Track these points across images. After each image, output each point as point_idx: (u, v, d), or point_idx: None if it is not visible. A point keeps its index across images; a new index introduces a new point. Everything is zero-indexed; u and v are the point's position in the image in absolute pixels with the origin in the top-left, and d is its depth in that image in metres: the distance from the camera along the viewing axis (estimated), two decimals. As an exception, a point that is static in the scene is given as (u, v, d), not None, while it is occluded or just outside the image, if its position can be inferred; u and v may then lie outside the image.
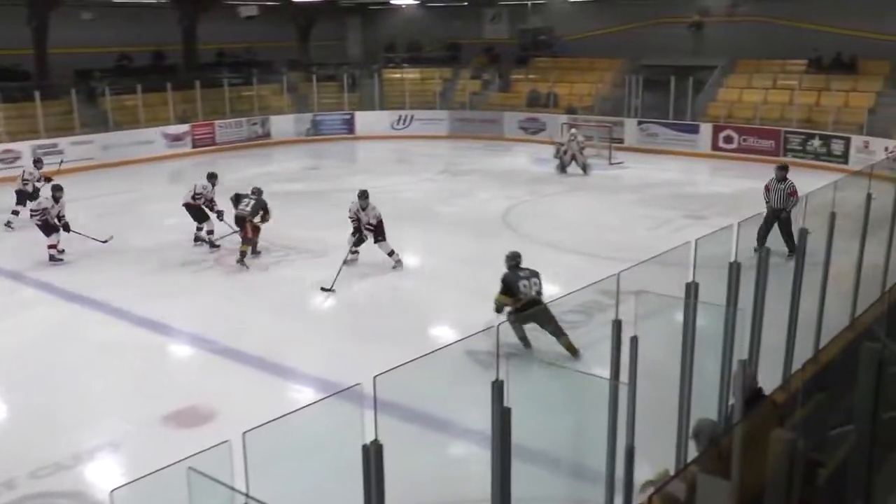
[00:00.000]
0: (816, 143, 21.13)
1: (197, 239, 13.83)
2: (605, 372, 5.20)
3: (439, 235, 14.52)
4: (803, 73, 23.96)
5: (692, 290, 5.68)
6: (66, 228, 13.21)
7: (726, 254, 6.23)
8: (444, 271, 12.39)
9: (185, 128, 24.14)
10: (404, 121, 27.59)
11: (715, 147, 22.76)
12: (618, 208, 16.51)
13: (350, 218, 12.57)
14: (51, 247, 12.95)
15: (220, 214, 13.81)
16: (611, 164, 21.69)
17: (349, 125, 27.41)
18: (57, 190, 13.18)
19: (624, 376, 5.11)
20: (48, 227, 12.95)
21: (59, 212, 13.08)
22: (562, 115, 25.47)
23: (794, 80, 23.41)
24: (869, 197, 8.04)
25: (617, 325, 5.18)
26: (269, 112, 26.81)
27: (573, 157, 20.54)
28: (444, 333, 10.08)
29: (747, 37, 25.37)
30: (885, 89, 22.18)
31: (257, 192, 13.05)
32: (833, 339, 6.65)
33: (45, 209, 12.94)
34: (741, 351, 6.00)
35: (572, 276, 11.24)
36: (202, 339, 9.96)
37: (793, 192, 12.52)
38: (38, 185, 15.25)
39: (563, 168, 20.57)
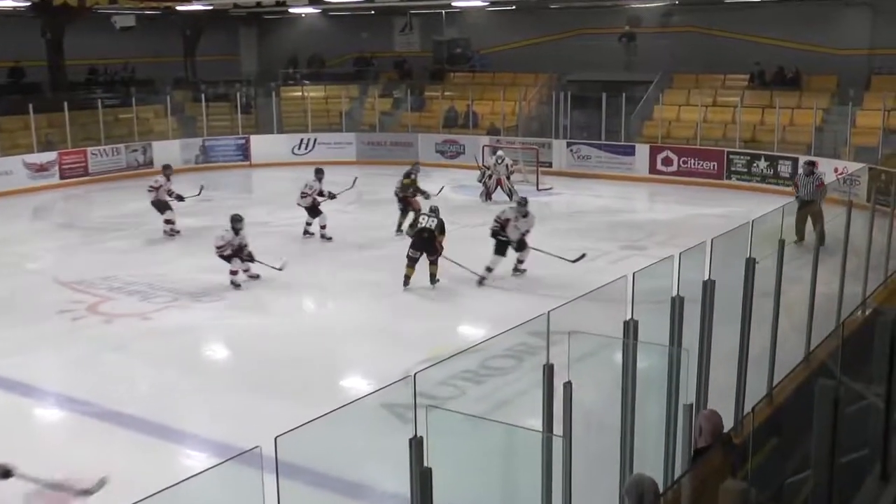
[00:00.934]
0: (762, 164, 21.80)
1: (306, 232, 16.61)
2: (537, 423, 5.20)
3: (351, 273, 14.43)
4: (745, 89, 24.79)
5: (631, 328, 5.75)
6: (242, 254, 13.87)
7: (668, 287, 6.33)
8: (356, 313, 12.33)
9: (51, 156, 23.56)
10: (307, 145, 27.51)
11: (653, 170, 23.29)
12: (548, 239, 16.68)
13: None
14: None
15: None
16: (539, 190, 21.97)
17: (244, 151, 27.20)
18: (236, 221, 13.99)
19: (558, 427, 5.12)
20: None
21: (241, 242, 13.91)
22: (483, 137, 25.76)
23: (736, 97, 24.20)
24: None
25: (549, 370, 5.19)
26: (152, 137, 26.43)
27: (499, 183, 20.76)
28: (356, 384, 10.00)
29: (683, 49, 26.13)
30: (832, 106, 23.05)
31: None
32: (787, 376, 6.81)
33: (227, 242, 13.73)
34: (687, 394, 6.09)
35: (499, 317, 11.26)
36: (73, 401, 9.65)
37: (820, 184, 15.48)
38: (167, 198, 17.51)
39: (488, 195, 20.77)
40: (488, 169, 21.09)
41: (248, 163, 27.11)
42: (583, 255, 14.39)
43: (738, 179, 22.09)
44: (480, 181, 21.15)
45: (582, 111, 25.77)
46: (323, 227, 16.81)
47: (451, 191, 22.00)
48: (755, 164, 21.96)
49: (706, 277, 6.61)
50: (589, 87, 26.10)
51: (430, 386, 9.03)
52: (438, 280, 13.46)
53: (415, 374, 4.36)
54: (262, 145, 27.21)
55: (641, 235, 16.78)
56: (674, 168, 23.12)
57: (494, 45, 30.26)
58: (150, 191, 17.59)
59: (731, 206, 18.89)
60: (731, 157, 22.42)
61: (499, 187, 20.76)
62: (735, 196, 20.42)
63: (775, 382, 7.34)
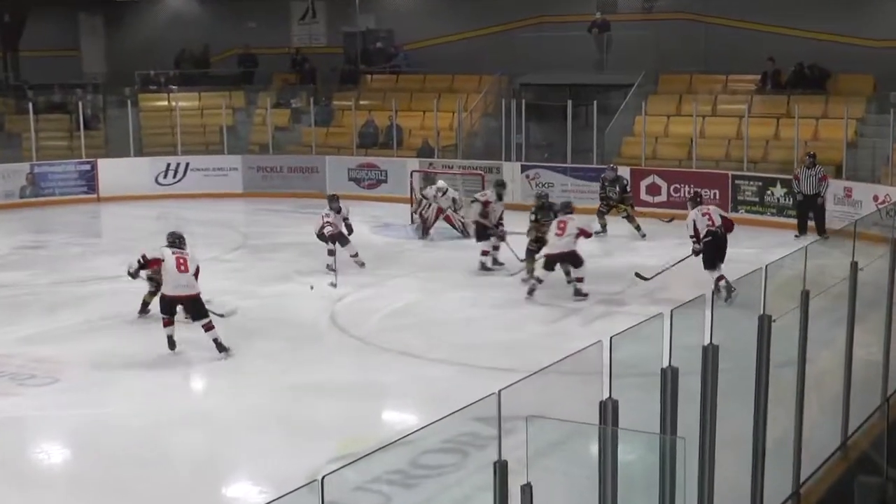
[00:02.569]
0: (778, 191, 22.16)
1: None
2: (486, 541, 5.17)
3: (236, 342, 14.29)
4: (754, 94, 25.28)
5: (609, 410, 5.76)
6: None
7: (656, 355, 6.36)
8: (244, 394, 12.21)
9: None
10: (175, 172, 27.41)
11: (636, 201, 23.41)
12: (500, 295, 16.73)
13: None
14: None
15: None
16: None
17: (89, 180, 26.97)
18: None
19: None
20: None
21: None
22: (412, 160, 25.87)
23: (742, 104, 24.60)
24: (855, 266, 8.40)
25: (501, 469, 5.17)
26: (-43, 163, 26.13)
27: (440, 214, 20.88)
28: (243, 494, 9.91)
29: (673, 42, 26.61)
30: (867, 115, 23.51)
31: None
32: (817, 470, 6.87)
33: None
34: (686, 496, 6.09)
35: (436, 398, 11.25)
36: None
37: (824, 177, 19.37)
38: None
39: (424, 231, 21.07)
40: (425, 199, 21.17)
41: (94, 196, 26.91)
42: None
43: (746, 212, 22.40)
44: (416, 212, 21.23)
45: (541, 125, 26.05)
46: (354, 256, 18.31)
47: (370, 231, 22.01)
48: (769, 192, 22.35)
49: (706, 342, 6.65)
50: (549, 94, 26.42)
51: (345, 493, 8.92)
52: None
53: (323, 476, 4.31)
54: (114, 173, 27.00)
55: (621, 287, 16.89)
56: (662, 198, 23.41)
57: (425, 38, 30.57)
58: None
59: (738, 246, 18.96)
60: (737, 182, 22.79)
61: (442, 219, 20.89)
62: (743, 234, 20.55)
63: (802, 479, 7.39)
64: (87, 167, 27.01)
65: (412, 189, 23.05)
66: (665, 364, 6.26)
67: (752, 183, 22.63)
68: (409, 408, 11.94)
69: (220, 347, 13.50)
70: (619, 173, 21.77)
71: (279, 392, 12.33)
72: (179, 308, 13.88)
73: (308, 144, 28.15)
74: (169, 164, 27.42)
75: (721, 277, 15.29)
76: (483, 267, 18.22)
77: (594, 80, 26.79)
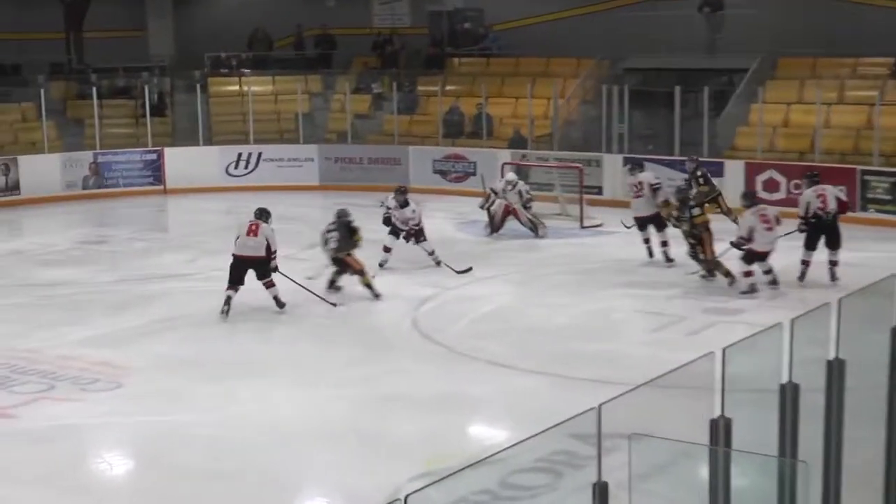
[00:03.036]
0: (916, 189, 21.88)
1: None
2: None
3: (308, 349, 14.42)
4: (887, 79, 24.91)
5: (721, 429, 5.73)
6: None
7: (773, 369, 6.28)
8: (321, 411, 12.25)
9: None
10: (247, 162, 27.66)
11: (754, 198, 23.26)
12: (596, 300, 16.67)
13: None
14: None
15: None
16: (583, 227, 22.03)
17: (155, 171, 27.32)
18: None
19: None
20: None
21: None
22: (502, 151, 25.84)
23: (873, 90, 24.22)
24: None
25: (601, 491, 5.16)
26: (17, 150, 26.62)
27: (510, 212, 20.83)
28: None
29: (794, 22, 26.35)
30: None
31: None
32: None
33: None
34: (808, 527, 6.02)
35: (529, 412, 11.20)
36: None
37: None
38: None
39: (493, 228, 21.17)
40: (494, 194, 21.15)
41: (160, 188, 27.25)
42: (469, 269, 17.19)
43: (877, 211, 22.09)
44: (483, 208, 21.23)
45: (646, 113, 25.87)
46: (431, 254, 18.48)
47: (455, 229, 22.03)
48: (904, 190, 22.06)
49: (831, 355, 6.56)
50: (655, 79, 26.24)
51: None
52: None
53: (406, 496, 4.30)
54: (182, 162, 27.33)
55: (733, 293, 16.73)
56: (781, 194, 23.09)
57: (518, 17, 30.57)
58: None
59: (867, 250, 18.81)
60: (866, 178, 22.45)
61: (512, 217, 20.85)
62: (874, 235, 20.33)
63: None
64: (154, 156, 27.36)
65: (484, 180, 23.07)
66: (784, 380, 6.19)
67: (883, 179, 22.25)
68: (499, 422, 11.89)
69: (279, 303, 15.81)
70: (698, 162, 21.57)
71: (357, 403, 12.36)
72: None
73: (390, 133, 28.24)
74: (240, 154, 27.67)
75: (835, 263, 16.81)
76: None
77: (705, 64, 26.56)
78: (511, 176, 21.48)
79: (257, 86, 30.07)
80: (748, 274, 16.42)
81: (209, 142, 28.17)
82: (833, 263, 16.84)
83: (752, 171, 23.43)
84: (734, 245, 16.55)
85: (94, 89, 27.86)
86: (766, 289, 16.38)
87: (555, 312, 16.01)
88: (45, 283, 18.09)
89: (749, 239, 16.28)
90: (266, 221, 16.13)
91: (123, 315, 16.04)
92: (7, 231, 23.08)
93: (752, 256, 16.36)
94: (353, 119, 28.78)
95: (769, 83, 25.58)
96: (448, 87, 29.10)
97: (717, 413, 5.75)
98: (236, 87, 30.30)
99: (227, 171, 27.46)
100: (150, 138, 27.65)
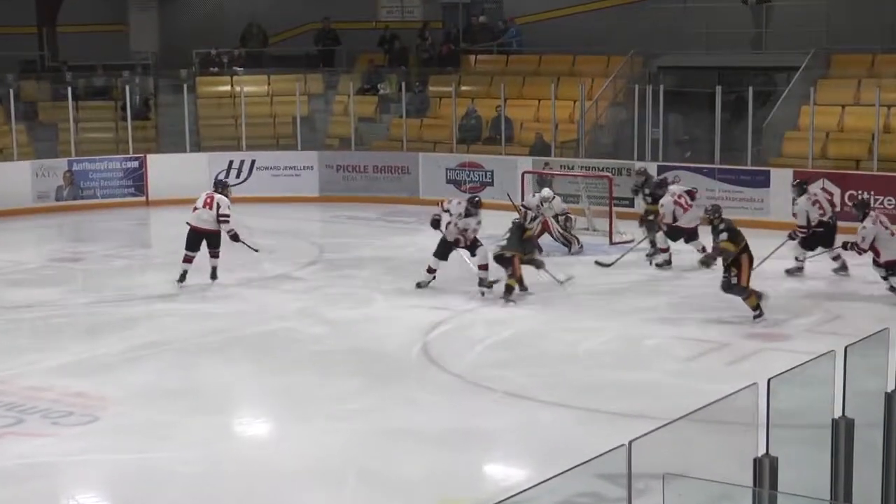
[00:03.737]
0: None
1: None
2: None
3: (305, 378, 14.37)
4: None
5: (766, 469, 5.71)
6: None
7: (824, 402, 6.26)
8: (318, 448, 12.23)
9: None
10: (239, 170, 27.70)
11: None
12: (627, 325, 16.65)
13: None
14: None
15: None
16: (612, 243, 22.00)
17: (136, 180, 27.38)
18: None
19: None
20: None
21: None
22: (524, 158, 25.85)
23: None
24: None
25: (632, 538, 5.13)
26: (-15, 157, 26.66)
27: (545, 227, 20.86)
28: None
29: (850, 14, 26.31)
30: None
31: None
32: None
33: None
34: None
35: (551, 449, 11.22)
36: None
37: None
38: None
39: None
40: (528, 210, 21.12)
41: (142, 199, 27.28)
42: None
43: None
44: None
45: (683, 117, 25.88)
46: (483, 269, 18.32)
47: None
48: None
49: (891, 387, 6.53)
50: (694, 78, 26.25)
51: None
52: None
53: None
54: (167, 171, 27.36)
55: (780, 317, 16.71)
56: (835, 207, 23.09)
57: (541, 10, 30.60)
58: None
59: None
60: (933, 190, 22.47)
61: (545, 233, 20.84)
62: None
63: None
64: (135, 164, 27.42)
65: (518, 194, 23.00)
66: (837, 414, 6.16)
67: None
68: (518, 461, 11.86)
69: (214, 275, 18.53)
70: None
71: (358, 439, 12.33)
72: None
73: (398, 139, 28.31)
74: (231, 162, 27.71)
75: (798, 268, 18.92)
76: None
77: (750, 62, 26.59)
78: (546, 192, 21.48)
79: (251, 86, 30.13)
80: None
81: (197, 148, 28.24)
82: (836, 258, 18.79)
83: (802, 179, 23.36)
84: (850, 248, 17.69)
85: (70, 90, 27.93)
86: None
87: (581, 338, 15.98)
88: (13, 305, 18.05)
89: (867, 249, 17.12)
90: (223, 192, 18.82)
91: (100, 340, 16.00)
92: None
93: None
94: (357, 123, 28.82)
95: (822, 82, 25.55)
96: (463, 88, 29.13)
97: (761, 451, 5.74)
98: (227, 88, 30.39)
99: (216, 180, 27.47)
100: (131, 144, 27.70)
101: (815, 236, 18.80)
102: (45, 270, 20.83)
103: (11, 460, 11.88)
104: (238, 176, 27.56)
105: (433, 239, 19.18)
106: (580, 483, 7.14)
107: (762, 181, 23.73)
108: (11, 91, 27.38)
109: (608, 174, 23.75)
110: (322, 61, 31.90)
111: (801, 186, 19.20)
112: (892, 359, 6.62)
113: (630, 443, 5.11)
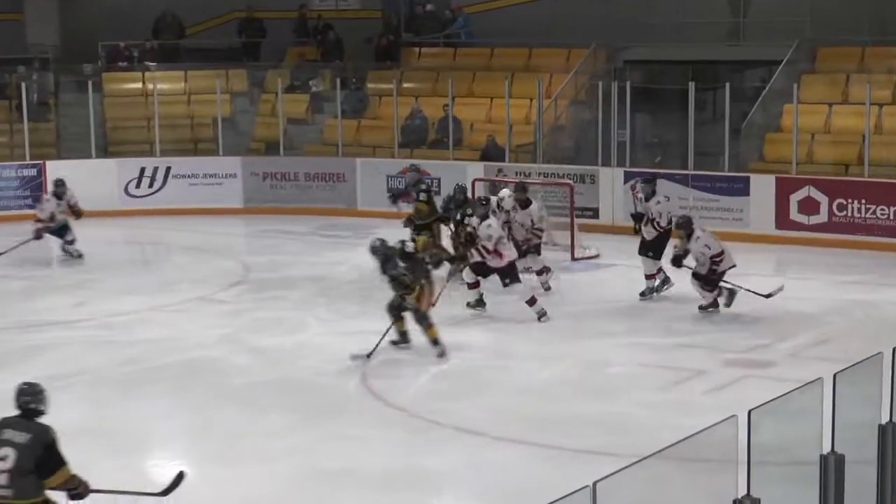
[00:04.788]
0: None
1: None
2: None
3: (230, 415, 14.34)
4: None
5: (747, 513, 5.75)
6: None
7: (812, 436, 6.33)
8: (244, 491, 12.25)
9: None
10: (152, 179, 27.62)
11: (783, 222, 23.59)
12: (591, 350, 16.73)
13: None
14: None
15: None
16: (574, 259, 22.15)
17: (35, 189, 27.20)
18: None
19: None
20: None
21: None
22: (474, 164, 25.88)
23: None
24: None
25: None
26: None
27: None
28: None
29: (837, 3, 26.51)
30: None
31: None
32: None
33: None
34: None
35: (507, 489, 11.27)
36: None
37: None
38: None
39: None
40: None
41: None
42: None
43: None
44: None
45: (652, 116, 25.99)
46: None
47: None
48: None
49: (885, 419, 6.61)
50: (665, 74, 26.39)
51: None
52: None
53: None
54: (70, 180, 27.09)
55: (763, 341, 16.83)
56: (821, 218, 23.26)
57: (490, -1, 30.62)
58: None
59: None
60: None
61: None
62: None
63: None
64: (33, 172, 27.26)
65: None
66: (826, 449, 6.23)
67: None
68: (474, 502, 11.90)
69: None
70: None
71: (290, 482, 12.34)
72: None
73: (333, 143, 28.30)
74: (143, 169, 27.64)
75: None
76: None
77: (727, 56, 26.78)
78: (505, 192, 21.38)
79: (165, 83, 30.10)
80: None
81: (104, 153, 28.15)
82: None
83: (784, 188, 23.61)
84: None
85: (-43, 89, 27.82)
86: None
87: (539, 366, 16.03)
88: None
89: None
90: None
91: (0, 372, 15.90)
92: None
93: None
94: (286, 125, 28.79)
95: (806, 78, 25.74)
96: (405, 85, 29.18)
97: (741, 491, 5.79)
98: (139, 85, 30.33)
99: (126, 191, 27.42)
100: (27, 149, 27.53)
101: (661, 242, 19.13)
102: None
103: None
104: (151, 185, 27.49)
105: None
106: (539, 529, 7.23)
107: (741, 189, 23.86)
108: None
109: (569, 181, 23.85)
110: (246, 55, 31.85)
111: (652, 185, 19.56)
112: (885, 387, 6.70)
113: (595, 483, 5.16)
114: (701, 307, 17.95)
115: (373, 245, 16.28)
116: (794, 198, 23.47)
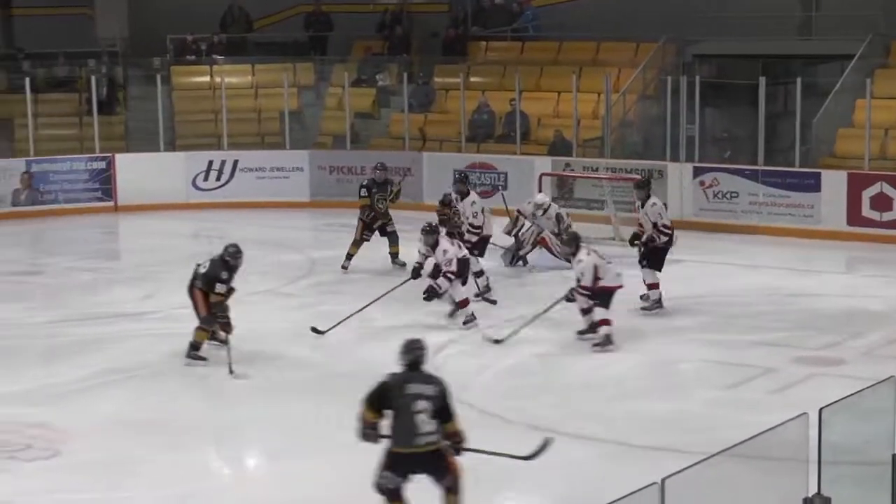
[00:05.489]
0: None
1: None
2: None
3: (295, 407, 14.36)
4: None
5: (817, 510, 5.69)
6: None
7: (884, 435, 6.26)
8: (304, 489, 12.23)
9: None
10: (219, 173, 27.73)
11: (855, 219, 23.45)
12: (658, 347, 16.71)
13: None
14: None
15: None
16: (643, 255, 22.02)
17: (104, 182, 27.39)
18: None
19: None
20: None
21: None
22: (541, 158, 25.84)
23: None
24: None
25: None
26: (-68, 157, 26.72)
27: (543, 245, 20.74)
28: None
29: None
30: None
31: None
32: None
33: None
34: None
35: (576, 485, 11.30)
36: None
37: None
38: None
39: (514, 258, 21.20)
40: (523, 217, 21.11)
41: (110, 204, 27.30)
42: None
43: None
44: (510, 233, 21.33)
45: (722, 111, 25.86)
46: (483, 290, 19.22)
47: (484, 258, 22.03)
48: None
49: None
50: (734, 68, 26.26)
51: None
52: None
53: None
54: (138, 173, 27.42)
55: (834, 339, 16.71)
56: (894, 215, 23.08)
57: (560, -9, 30.56)
58: None
59: None
60: None
61: (542, 248, 20.79)
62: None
63: None
64: (102, 165, 27.45)
65: (504, 200, 23.13)
66: (901, 449, 6.18)
67: None
68: (539, 499, 11.92)
69: None
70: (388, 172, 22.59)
71: (359, 476, 12.28)
72: None
73: (399, 136, 28.38)
74: (211, 162, 27.78)
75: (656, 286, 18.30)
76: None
77: (798, 50, 26.62)
78: (540, 198, 21.39)
79: (233, 76, 30.23)
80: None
81: (172, 147, 28.29)
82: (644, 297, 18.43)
83: (856, 183, 23.48)
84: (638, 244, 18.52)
85: (28, 80, 27.90)
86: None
87: (606, 363, 15.99)
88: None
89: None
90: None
91: (62, 365, 15.95)
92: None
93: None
94: (352, 118, 28.87)
95: (879, 73, 25.59)
96: (472, 79, 29.14)
97: (812, 490, 5.73)
98: (206, 79, 30.48)
99: (194, 184, 27.54)
100: (97, 142, 27.74)
101: (664, 249, 18.57)
102: (1, 285, 20.86)
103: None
104: (218, 178, 27.59)
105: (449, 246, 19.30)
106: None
107: (812, 185, 23.71)
108: (-38, 83, 27.48)
109: (637, 176, 23.73)
110: (313, 49, 31.91)
111: (647, 187, 19.16)
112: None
113: (663, 480, 5.12)
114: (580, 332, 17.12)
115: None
116: (867, 194, 23.31)
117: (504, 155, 26.79)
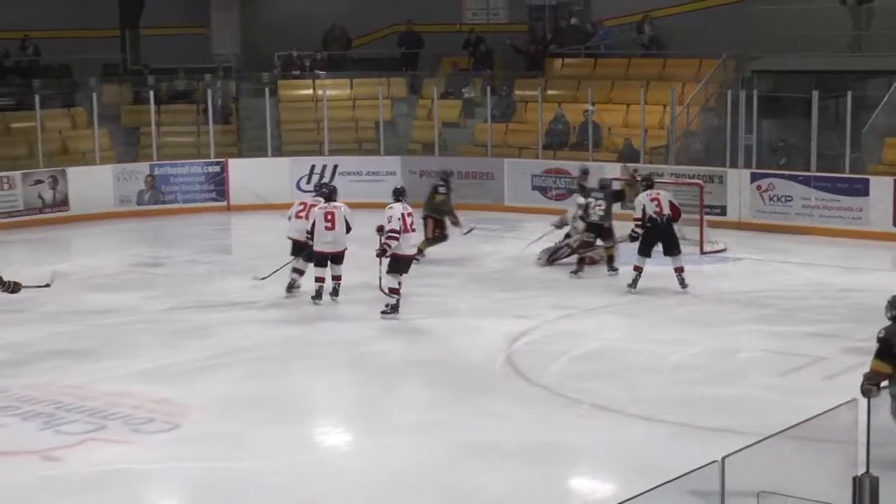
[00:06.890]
0: None
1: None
2: None
3: (385, 390, 14.40)
4: None
5: (866, 488, 5.66)
6: None
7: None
8: (395, 461, 12.24)
9: None
10: (321, 176, 27.78)
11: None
12: (719, 337, 16.58)
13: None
14: None
15: None
16: (703, 252, 21.91)
17: (218, 185, 27.58)
18: None
19: None
20: None
21: None
22: (611, 164, 25.72)
23: None
24: None
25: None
26: (65, 161, 26.95)
27: (583, 247, 20.47)
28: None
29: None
30: None
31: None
32: None
33: None
34: None
35: (641, 463, 11.18)
36: None
37: None
38: None
39: (553, 257, 20.97)
40: (564, 224, 21.04)
41: (224, 204, 27.46)
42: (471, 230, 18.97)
43: None
44: (559, 227, 21.33)
45: (777, 122, 25.66)
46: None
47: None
48: None
49: None
50: (789, 82, 26.04)
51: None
52: None
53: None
54: (248, 176, 27.58)
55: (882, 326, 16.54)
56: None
57: (630, 12, 30.44)
58: None
59: None
60: None
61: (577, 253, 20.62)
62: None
63: None
64: (217, 169, 27.63)
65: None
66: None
67: None
68: (606, 476, 11.78)
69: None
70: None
71: (440, 452, 12.31)
72: None
73: (483, 144, 28.34)
74: (314, 166, 27.85)
75: (681, 269, 18.63)
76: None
77: (849, 66, 26.33)
78: (586, 201, 21.12)
79: (333, 89, 30.27)
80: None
81: (279, 152, 28.42)
82: (678, 270, 18.63)
83: (904, 191, 23.24)
84: (632, 238, 18.98)
85: (152, 93, 28.15)
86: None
87: (670, 350, 15.89)
88: (93, 310, 18.25)
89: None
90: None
91: (181, 347, 16.15)
92: (53, 251, 23.23)
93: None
94: (441, 127, 28.88)
95: (924, 86, 25.27)
96: (550, 92, 29.06)
97: (860, 470, 5.67)
98: (309, 91, 30.54)
99: (298, 186, 27.59)
100: (212, 148, 27.94)
101: (649, 237, 18.71)
102: (126, 275, 21.03)
103: (93, 467, 11.97)
104: (320, 179, 27.68)
105: (518, 247, 19.24)
106: (671, 500, 7.13)
107: (861, 189, 23.49)
108: (94, 94, 27.57)
109: (699, 181, 23.62)
110: (405, 64, 31.96)
111: (647, 182, 19.45)
112: None
113: (723, 459, 5.09)
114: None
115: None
116: (915, 202, 23.15)
117: (577, 161, 26.63)
